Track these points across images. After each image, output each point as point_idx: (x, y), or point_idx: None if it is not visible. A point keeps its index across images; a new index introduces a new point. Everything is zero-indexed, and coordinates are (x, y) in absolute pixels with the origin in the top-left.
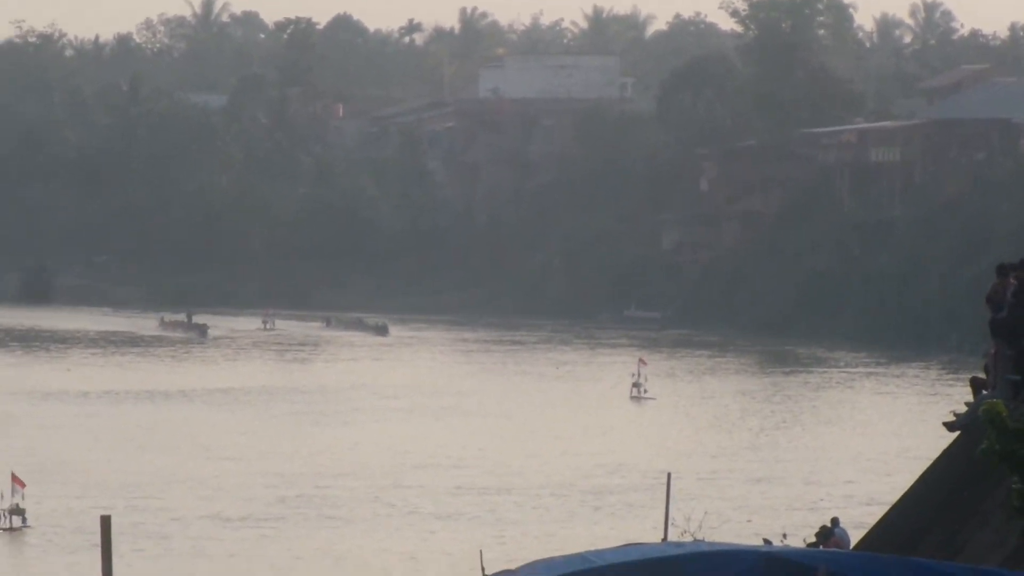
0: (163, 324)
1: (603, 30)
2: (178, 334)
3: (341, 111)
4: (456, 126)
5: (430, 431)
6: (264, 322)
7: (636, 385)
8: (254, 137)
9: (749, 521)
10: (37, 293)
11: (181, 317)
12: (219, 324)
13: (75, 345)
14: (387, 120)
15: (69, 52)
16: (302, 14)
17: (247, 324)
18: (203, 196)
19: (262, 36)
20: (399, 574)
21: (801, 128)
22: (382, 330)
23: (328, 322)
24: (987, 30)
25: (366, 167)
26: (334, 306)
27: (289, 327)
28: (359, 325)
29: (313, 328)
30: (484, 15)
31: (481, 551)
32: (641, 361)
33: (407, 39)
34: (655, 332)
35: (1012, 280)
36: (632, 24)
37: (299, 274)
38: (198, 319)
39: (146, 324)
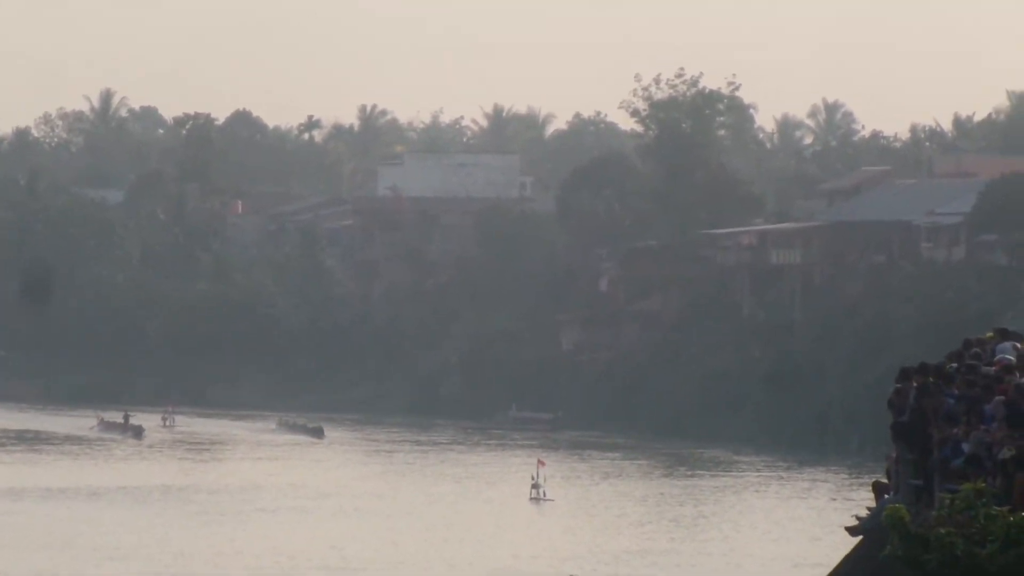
0: (101, 424)
1: (503, 128)
2: (114, 435)
3: (240, 207)
4: (354, 223)
5: (332, 532)
6: (164, 419)
7: (535, 487)
8: (152, 233)
9: None
10: None
11: (118, 418)
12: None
13: None
14: (286, 217)
15: None
16: (201, 110)
17: (146, 421)
18: (99, 291)
19: (161, 131)
20: None
21: (701, 229)
22: (317, 432)
23: (279, 423)
24: (888, 132)
25: (265, 264)
26: (230, 403)
27: (193, 424)
28: (299, 429)
29: (241, 428)
30: (383, 112)
31: None
32: (540, 462)
33: (306, 136)
34: (549, 433)
35: (914, 384)
36: (532, 123)
37: (195, 371)
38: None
39: (78, 423)
